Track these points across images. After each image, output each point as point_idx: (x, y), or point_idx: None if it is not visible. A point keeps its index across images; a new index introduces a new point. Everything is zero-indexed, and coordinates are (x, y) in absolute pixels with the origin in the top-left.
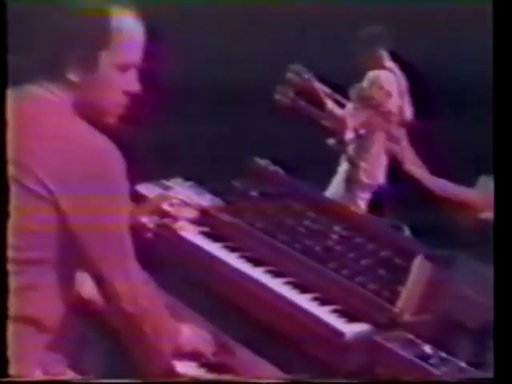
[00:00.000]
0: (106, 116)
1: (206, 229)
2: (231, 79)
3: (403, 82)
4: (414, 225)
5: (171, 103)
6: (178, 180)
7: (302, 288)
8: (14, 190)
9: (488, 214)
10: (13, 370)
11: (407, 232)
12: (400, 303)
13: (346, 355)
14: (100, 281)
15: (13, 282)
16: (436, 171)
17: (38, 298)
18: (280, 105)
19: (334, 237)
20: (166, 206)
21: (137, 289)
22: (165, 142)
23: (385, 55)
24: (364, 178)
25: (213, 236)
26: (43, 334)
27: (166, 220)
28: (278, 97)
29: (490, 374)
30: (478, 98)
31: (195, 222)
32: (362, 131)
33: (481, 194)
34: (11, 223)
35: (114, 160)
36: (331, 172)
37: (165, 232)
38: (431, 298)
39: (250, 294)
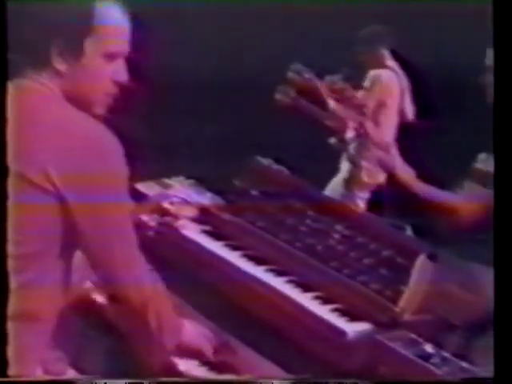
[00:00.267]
0: (94, 105)
1: (207, 227)
2: (233, 78)
3: (404, 82)
4: (414, 225)
5: (174, 102)
6: (180, 178)
7: (304, 287)
8: (15, 183)
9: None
10: (13, 369)
11: (409, 232)
12: (402, 303)
13: (348, 354)
14: (104, 271)
15: (13, 279)
16: (436, 171)
17: (37, 293)
18: (281, 104)
19: (336, 236)
20: (166, 205)
21: (142, 278)
22: (167, 141)
23: (386, 54)
24: (365, 178)
25: (214, 234)
26: (43, 331)
27: (167, 218)
28: (278, 96)
29: (490, 374)
30: (478, 98)
31: (196, 220)
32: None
33: (466, 199)
34: (12, 217)
35: (112, 145)
36: (333, 171)
37: (166, 230)
38: (433, 297)
39: (251, 293)
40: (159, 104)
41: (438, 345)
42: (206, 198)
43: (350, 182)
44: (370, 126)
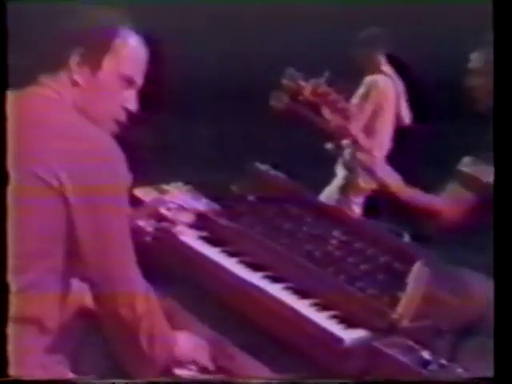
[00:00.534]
0: (101, 127)
1: (204, 233)
2: (230, 83)
3: (400, 86)
4: (409, 230)
5: (170, 107)
6: (177, 184)
7: (301, 293)
8: (24, 184)
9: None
10: (13, 371)
11: (407, 238)
12: (399, 309)
13: (345, 361)
14: (99, 282)
15: (13, 280)
16: (434, 175)
17: (39, 297)
18: (275, 110)
19: (334, 242)
20: (163, 211)
21: (135, 295)
22: (163, 146)
23: (382, 59)
24: (361, 183)
25: (211, 241)
26: (44, 334)
27: (164, 224)
28: (273, 102)
29: (490, 374)
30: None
31: (194, 226)
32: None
33: (448, 202)
34: (15, 218)
35: (116, 155)
36: (329, 176)
37: (163, 236)
38: (430, 303)
39: (248, 299)
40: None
41: (436, 352)
42: (203, 204)
43: (346, 188)
44: (354, 130)
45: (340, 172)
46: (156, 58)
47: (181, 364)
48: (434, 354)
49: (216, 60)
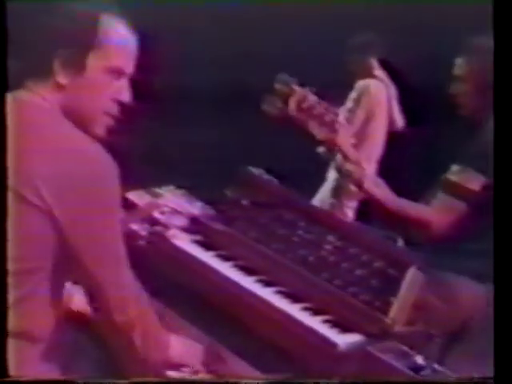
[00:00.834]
0: (93, 124)
1: (198, 237)
2: (224, 88)
3: (392, 90)
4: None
5: (164, 111)
6: (170, 188)
7: (294, 297)
8: (11, 199)
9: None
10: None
11: (401, 243)
12: (392, 314)
13: (339, 366)
14: (91, 289)
15: (10, 295)
16: (426, 178)
17: (30, 309)
18: (267, 115)
19: (327, 247)
20: (156, 214)
21: (128, 299)
22: (157, 150)
23: (374, 64)
24: (352, 187)
25: (205, 244)
26: (35, 345)
27: (158, 228)
28: (265, 107)
29: (490, 374)
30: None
31: (187, 230)
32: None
33: (436, 211)
34: (9, 233)
35: (107, 167)
36: (322, 180)
37: (156, 240)
38: (420, 309)
39: (241, 303)
40: (150, 114)
41: (428, 356)
42: (197, 208)
43: (338, 191)
44: (342, 142)
45: (332, 176)
46: (145, 44)
47: (173, 366)
48: (426, 359)
49: (209, 63)
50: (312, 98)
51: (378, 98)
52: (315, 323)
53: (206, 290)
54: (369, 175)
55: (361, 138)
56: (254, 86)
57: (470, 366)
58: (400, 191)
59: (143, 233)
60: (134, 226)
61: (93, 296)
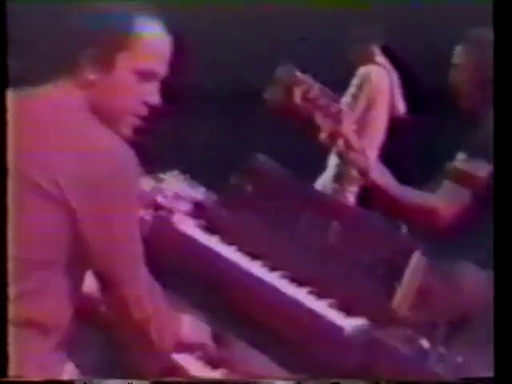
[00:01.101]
0: (120, 123)
1: (202, 222)
2: (226, 76)
3: (394, 77)
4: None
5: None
6: (174, 173)
7: (299, 282)
8: (24, 189)
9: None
10: (13, 372)
11: (405, 229)
12: (397, 299)
13: (345, 350)
14: (107, 285)
15: (18, 286)
16: (428, 166)
17: (44, 301)
18: (270, 104)
19: (332, 232)
20: (160, 199)
21: (144, 296)
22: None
23: (376, 51)
24: (354, 172)
25: (209, 229)
26: (47, 337)
27: (162, 213)
28: (267, 96)
29: (490, 374)
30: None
31: (191, 214)
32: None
33: (443, 200)
34: (20, 223)
35: (129, 164)
36: (323, 166)
37: (161, 225)
38: (426, 294)
39: (246, 288)
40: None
41: (434, 341)
42: (201, 193)
43: (340, 177)
44: (347, 132)
45: (333, 161)
46: (179, 46)
47: (185, 348)
48: (431, 344)
49: (213, 52)
50: (316, 88)
51: (379, 84)
52: (321, 307)
53: (210, 275)
54: (373, 164)
55: (362, 124)
56: (256, 75)
57: (472, 352)
58: (401, 178)
59: (147, 217)
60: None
61: (108, 292)
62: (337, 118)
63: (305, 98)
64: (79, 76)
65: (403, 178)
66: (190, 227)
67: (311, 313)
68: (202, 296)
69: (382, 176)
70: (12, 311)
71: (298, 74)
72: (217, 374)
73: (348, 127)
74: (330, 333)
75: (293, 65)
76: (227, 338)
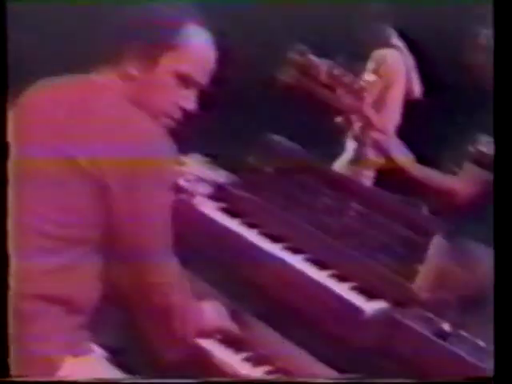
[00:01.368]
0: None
1: (223, 204)
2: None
3: (410, 60)
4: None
5: None
6: (195, 155)
7: (321, 264)
8: (59, 165)
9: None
10: (38, 349)
11: (425, 210)
12: (418, 281)
13: (365, 332)
14: (136, 269)
15: (51, 261)
16: (439, 150)
17: (74, 279)
18: (283, 85)
19: (352, 213)
20: (182, 182)
21: (172, 282)
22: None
23: (392, 33)
24: (371, 156)
25: (231, 212)
26: (74, 315)
27: (183, 196)
28: (280, 76)
29: (486, 355)
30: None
31: (212, 197)
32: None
33: (464, 182)
34: (58, 200)
35: (165, 150)
36: (339, 150)
37: (183, 207)
38: (446, 276)
39: (267, 270)
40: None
41: (455, 323)
42: (221, 176)
43: (356, 161)
44: (368, 110)
45: (349, 145)
46: (223, 58)
47: (207, 333)
48: (452, 326)
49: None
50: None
51: (395, 67)
52: (342, 290)
53: (232, 257)
54: (394, 141)
55: (379, 107)
56: (271, 56)
57: (487, 334)
58: (417, 160)
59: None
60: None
61: (135, 277)
62: (359, 94)
63: (330, 74)
64: (122, 68)
65: (419, 160)
66: (211, 210)
67: (333, 295)
68: (223, 278)
69: (402, 154)
70: (42, 285)
71: (311, 56)
72: (240, 358)
73: (369, 105)
74: (351, 315)
75: (306, 47)
76: (248, 319)
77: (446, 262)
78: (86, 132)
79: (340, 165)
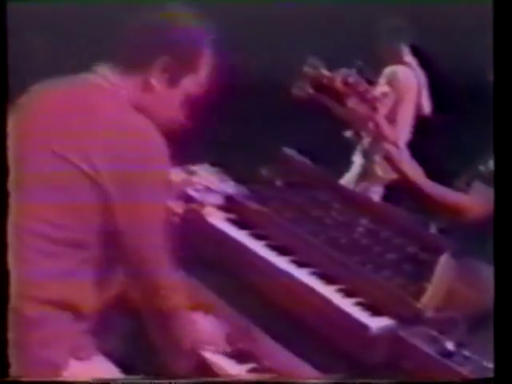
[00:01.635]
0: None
1: (232, 215)
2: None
3: (422, 78)
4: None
5: None
6: (204, 165)
7: (327, 279)
8: (59, 167)
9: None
10: (43, 354)
11: (433, 229)
12: (424, 299)
13: (370, 349)
14: (136, 272)
15: (50, 263)
16: (448, 167)
17: (78, 284)
18: (297, 98)
19: (360, 229)
20: (191, 192)
21: (172, 285)
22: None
23: (405, 49)
24: (379, 172)
25: (239, 223)
26: (79, 320)
27: (193, 205)
28: (295, 91)
29: (490, 374)
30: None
31: (222, 208)
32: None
33: (474, 200)
34: (55, 202)
35: (160, 152)
36: (347, 164)
37: (192, 217)
38: (453, 296)
39: (274, 283)
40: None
41: (460, 342)
42: (231, 187)
43: (364, 176)
44: (381, 120)
45: (358, 160)
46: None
47: (199, 346)
48: (458, 346)
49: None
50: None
51: (407, 83)
52: (348, 305)
53: (239, 268)
54: (405, 155)
55: (390, 121)
56: (284, 69)
57: (491, 354)
58: (427, 176)
59: (178, 210)
60: (170, 203)
61: (136, 281)
62: (373, 104)
63: (345, 81)
64: (143, 77)
65: (428, 176)
66: (220, 220)
67: (338, 310)
68: (229, 289)
69: (412, 167)
70: (45, 290)
71: (325, 70)
72: (244, 368)
73: (382, 116)
74: (357, 331)
75: (320, 61)
76: (252, 330)
77: (454, 281)
78: (86, 135)
79: (348, 180)
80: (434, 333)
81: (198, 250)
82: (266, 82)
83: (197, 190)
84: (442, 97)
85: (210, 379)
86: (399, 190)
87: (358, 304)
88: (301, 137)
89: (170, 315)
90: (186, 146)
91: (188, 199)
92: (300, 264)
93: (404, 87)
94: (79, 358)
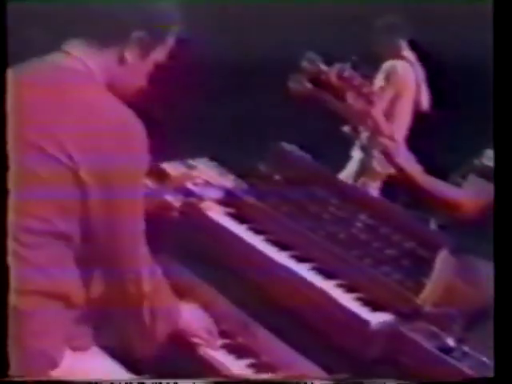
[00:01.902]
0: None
1: (231, 210)
2: (257, 61)
3: (420, 73)
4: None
5: (200, 84)
6: (204, 160)
7: (327, 274)
8: (36, 157)
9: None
10: (38, 344)
11: (433, 224)
12: (423, 295)
13: (370, 344)
14: (107, 259)
15: (36, 255)
16: (451, 161)
17: (65, 273)
18: (294, 93)
19: (359, 225)
20: (190, 186)
21: (142, 273)
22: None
23: (403, 45)
24: (377, 168)
25: (238, 217)
26: (71, 310)
27: (192, 199)
28: (291, 85)
29: (489, 370)
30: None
31: (221, 202)
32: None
33: (469, 195)
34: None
35: (137, 134)
36: (345, 159)
37: (190, 211)
38: (451, 291)
39: (273, 277)
40: (184, 86)
41: (459, 338)
42: (229, 181)
43: (362, 172)
44: (377, 114)
45: (356, 155)
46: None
47: (185, 336)
48: (457, 341)
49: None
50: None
51: (405, 78)
52: (348, 300)
53: (238, 263)
54: (402, 149)
55: (388, 116)
56: (283, 65)
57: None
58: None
59: (177, 204)
60: (168, 197)
61: (108, 268)
62: (369, 98)
63: (341, 76)
64: (117, 51)
65: (426, 171)
66: (219, 214)
67: (338, 305)
68: (228, 283)
69: (409, 162)
70: (36, 281)
71: (322, 64)
72: (243, 363)
73: (378, 110)
74: (356, 326)
75: (317, 55)
76: (252, 325)
77: (452, 277)
78: (60, 121)
79: (346, 175)
80: (434, 328)
81: (197, 244)
82: (265, 77)
83: (196, 185)
84: (441, 92)
85: (214, 379)
86: (397, 185)
87: (358, 299)
88: (300, 132)
89: (141, 302)
90: (185, 140)
91: (187, 193)
92: (299, 259)
93: (402, 82)
94: (75, 348)
